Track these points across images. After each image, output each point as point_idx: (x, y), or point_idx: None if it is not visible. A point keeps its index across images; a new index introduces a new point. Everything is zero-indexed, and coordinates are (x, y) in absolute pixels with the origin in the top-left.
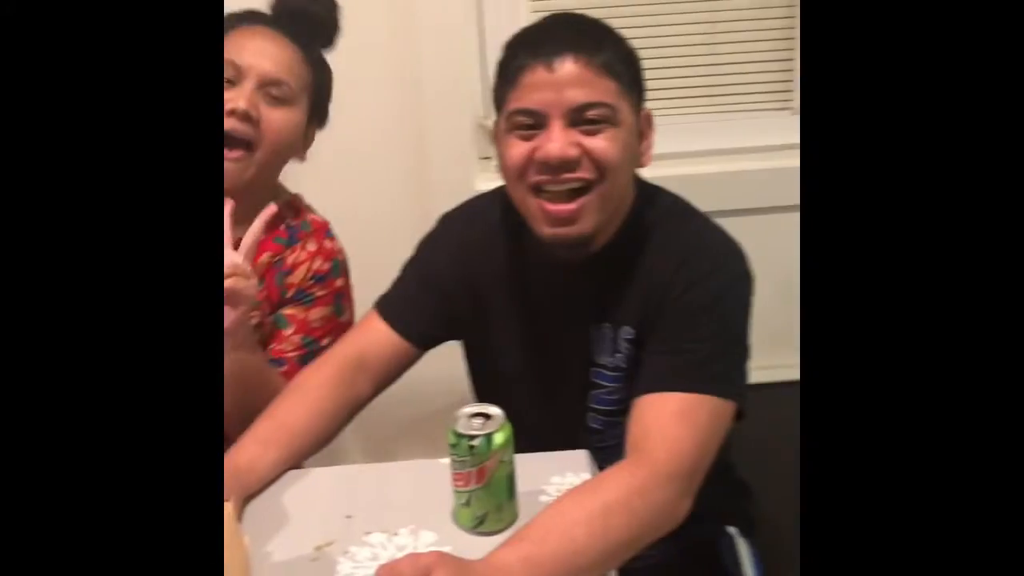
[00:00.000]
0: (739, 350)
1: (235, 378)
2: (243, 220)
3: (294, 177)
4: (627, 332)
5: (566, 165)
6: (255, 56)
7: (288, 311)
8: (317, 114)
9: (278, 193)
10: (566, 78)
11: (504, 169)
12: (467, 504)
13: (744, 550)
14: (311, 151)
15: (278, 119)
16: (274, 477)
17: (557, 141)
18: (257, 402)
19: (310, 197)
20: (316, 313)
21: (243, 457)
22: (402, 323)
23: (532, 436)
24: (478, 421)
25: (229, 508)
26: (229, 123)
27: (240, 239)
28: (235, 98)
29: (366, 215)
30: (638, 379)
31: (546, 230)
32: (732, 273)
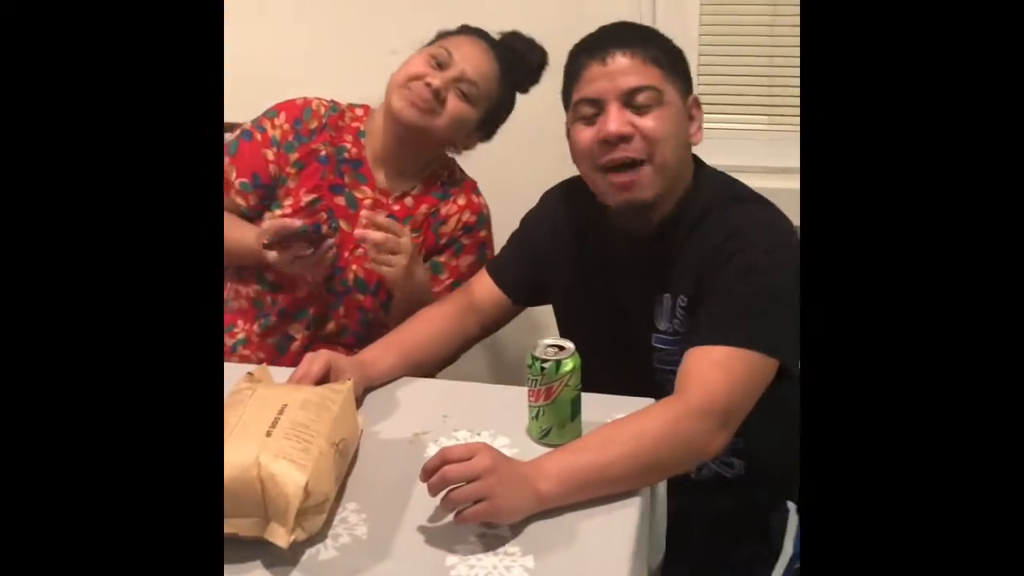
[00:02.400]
0: (780, 311)
1: (407, 300)
2: (403, 174)
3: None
4: (682, 300)
5: (622, 140)
6: (466, 58)
7: (442, 259)
8: (486, 127)
9: (438, 156)
10: (618, 68)
11: (575, 154)
12: (536, 418)
13: (793, 524)
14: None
15: (458, 108)
16: (392, 376)
17: (614, 119)
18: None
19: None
20: (465, 260)
21: (368, 355)
22: (501, 281)
23: (612, 390)
24: (552, 350)
25: (350, 386)
26: (419, 89)
27: (404, 192)
28: (435, 78)
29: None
30: (689, 337)
31: (614, 199)
32: (773, 243)
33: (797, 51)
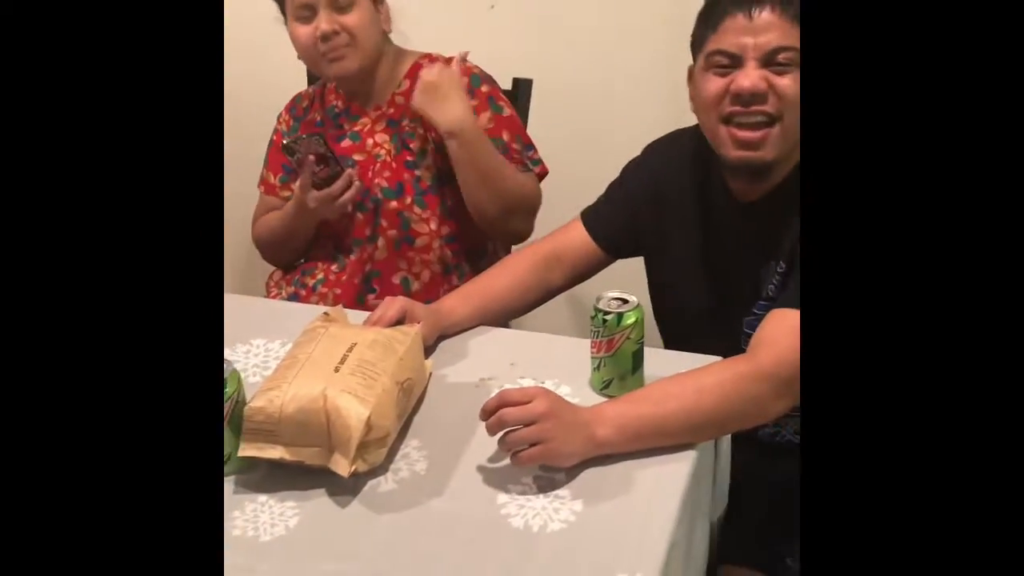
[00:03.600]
0: None
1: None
2: (381, 87)
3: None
4: (780, 266)
5: (757, 98)
6: None
7: None
8: None
9: (403, 55)
10: (763, 25)
11: (700, 101)
12: (597, 369)
13: None
14: None
15: (356, 18)
16: (468, 325)
17: (751, 76)
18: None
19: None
20: (483, 118)
21: (446, 304)
22: (595, 230)
23: (698, 349)
24: (616, 303)
25: (418, 329)
26: (324, 48)
27: (392, 95)
28: (322, 21)
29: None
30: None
31: (733, 153)
32: None
33: None
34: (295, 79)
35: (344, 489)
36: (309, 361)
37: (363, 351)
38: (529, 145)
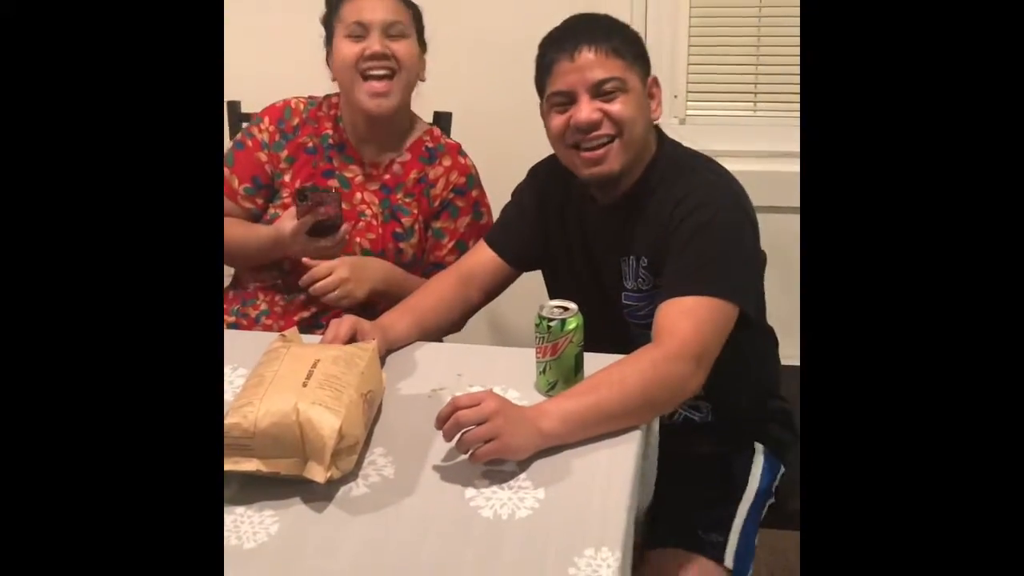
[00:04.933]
0: (735, 262)
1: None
2: (386, 145)
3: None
4: (643, 261)
5: (593, 126)
6: (372, 8)
7: (440, 224)
8: (421, 36)
9: (415, 122)
10: (585, 63)
11: (550, 137)
12: (543, 372)
13: (760, 464)
14: None
15: (404, 48)
16: (408, 340)
17: (585, 109)
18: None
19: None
20: (462, 222)
21: (387, 319)
22: (499, 247)
23: (591, 342)
24: (558, 310)
25: (375, 345)
26: (368, 65)
27: (391, 160)
28: (373, 42)
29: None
30: (658, 294)
31: (584, 172)
32: (720, 203)
33: (782, 40)
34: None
35: (318, 496)
36: (277, 378)
37: (327, 366)
38: None
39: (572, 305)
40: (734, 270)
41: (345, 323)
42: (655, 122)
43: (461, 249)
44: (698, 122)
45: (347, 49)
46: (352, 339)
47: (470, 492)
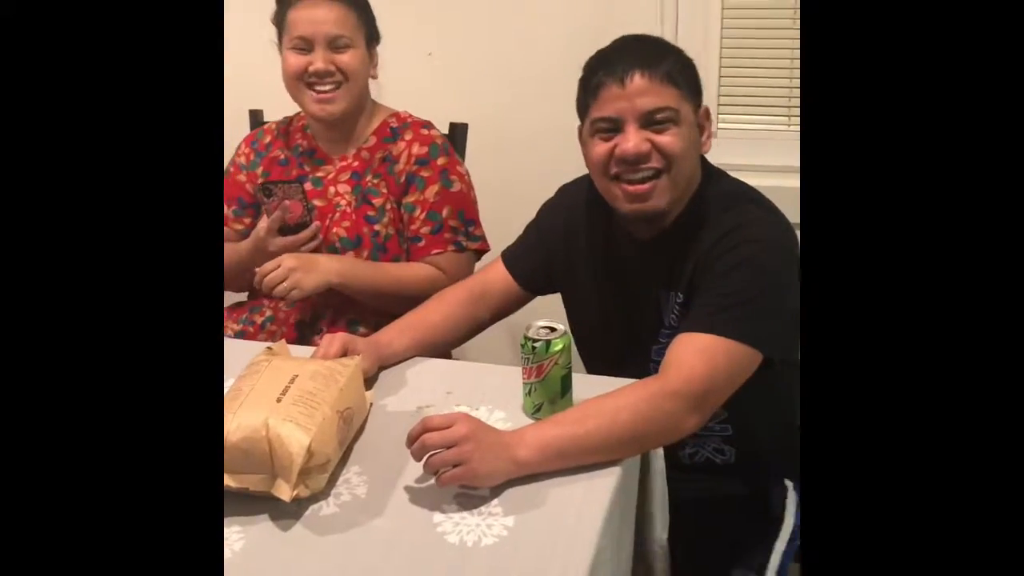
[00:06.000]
0: (768, 304)
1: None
2: (351, 137)
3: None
4: (678, 297)
5: (640, 158)
6: (315, 20)
7: (409, 199)
8: (371, 38)
9: (376, 110)
10: (636, 90)
11: (590, 164)
12: (528, 394)
13: (793, 501)
14: None
15: (349, 59)
16: (405, 356)
17: (632, 140)
18: (399, 299)
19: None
20: (430, 192)
21: (384, 337)
22: (514, 269)
23: (609, 374)
24: (544, 331)
25: (357, 361)
26: (313, 80)
27: (359, 148)
28: (317, 59)
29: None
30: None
31: (626, 207)
32: (761, 243)
33: None
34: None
35: (287, 513)
36: (253, 392)
37: (305, 382)
38: (471, 220)
39: (560, 326)
40: (766, 315)
41: (337, 340)
42: (705, 151)
43: (433, 219)
44: (730, 135)
45: (292, 61)
46: (343, 356)
47: (438, 517)
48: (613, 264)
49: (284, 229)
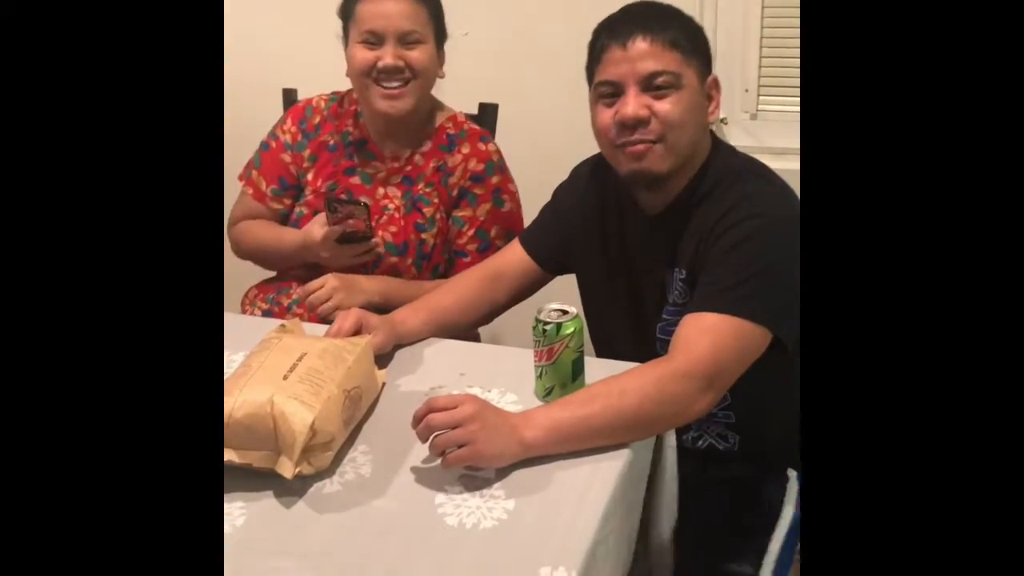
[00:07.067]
0: (773, 282)
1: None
2: (407, 139)
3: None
4: (680, 273)
5: (639, 123)
6: (387, 14)
7: (460, 213)
8: (440, 39)
9: (436, 111)
10: (637, 53)
11: (595, 130)
12: (540, 377)
13: (794, 491)
14: None
15: (419, 56)
16: (419, 336)
17: (632, 104)
18: None
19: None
20: (482, 209)
21: (399, 316)
22: (532, 249)
23: (619, 355)
24: (556, 313)
25: (368, 340)
26: (382, 76)
27: (413, 152)
28: (386, 55)
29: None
30: (686, 307)
31: (625, 167)
32: (766, 218)
33: None
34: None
35: (290, 491)
36: (261, 369)
37: (312, 360)
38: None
39: (571, 309)
40: (774, 292)
41: (351, 316)
42: (711, 125)
43: (481, 238)
44: (770, 118)
45: (360, 55)
46: (358, 333)
47: (440, 498)
48: (623, 242)
49: (340, 237)
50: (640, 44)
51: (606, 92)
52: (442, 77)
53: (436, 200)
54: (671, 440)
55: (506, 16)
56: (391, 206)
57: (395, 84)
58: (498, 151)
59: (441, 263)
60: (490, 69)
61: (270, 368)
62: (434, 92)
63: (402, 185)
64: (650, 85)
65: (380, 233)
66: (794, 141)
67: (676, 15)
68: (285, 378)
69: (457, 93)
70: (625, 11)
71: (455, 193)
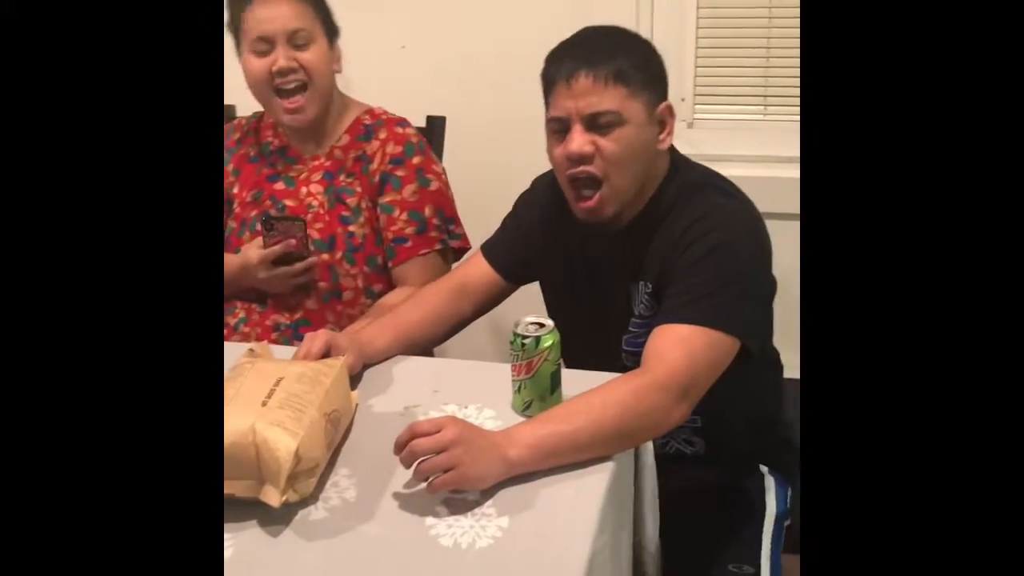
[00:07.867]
0: (739, 292)
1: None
2: (325, 135)
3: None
4: (646, 287)
5: (583, 159)
6: (272, 19)
7: (386, 199)
8: (330, 33)
9: (348, 106)
10: (580, 91)
11: (551, 163)
12: (518, 391)
13: (772, 487)
14: None
15: (311, 56)
16: (388, 354)
17: (576, 141)
18: None
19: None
20: (408, 191)
21: (366, 335)
22: (495, 260)
23: (583, 367)
24: (534, 327)
25: (343, 361)
26: (279, 81)
27: (332, 147)
28: (279, 57)
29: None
30: (654, 320)
31: (578, 212)
32: (731, 230)
33: (793, 42)
34: None
35: (275, 519)
36: (237, 396)
37: (290, 384)
38: (451, 219)
39: (548, 322)
40: (741, 302)
41: (319, 338)
42: (662, 149)
43: (416, 219)
44: (706, 126)
45: (255, 64)
46: (326, 355)
47: (431, 520)
48: (586, 253)
49: (277, 259)
50: (583, 82)
51: (556, 128)
52: (339, 72)
53: (359, 189)
54: (648, 450)
55: (447, 28)
56: (315, 203)
57: (293, 87)
58: (417, 134)
59: (378, 255)
60: (439, 82)
61: (247, 395)
62: (384, 105)
63: (323, 180)
64: (593, 123)
65: (307, 230)
66: (730, 148)
67: (623, 43)
68: (264, 404)
69: (405, 107)
70: (572, 42)
71: (377, 179)
